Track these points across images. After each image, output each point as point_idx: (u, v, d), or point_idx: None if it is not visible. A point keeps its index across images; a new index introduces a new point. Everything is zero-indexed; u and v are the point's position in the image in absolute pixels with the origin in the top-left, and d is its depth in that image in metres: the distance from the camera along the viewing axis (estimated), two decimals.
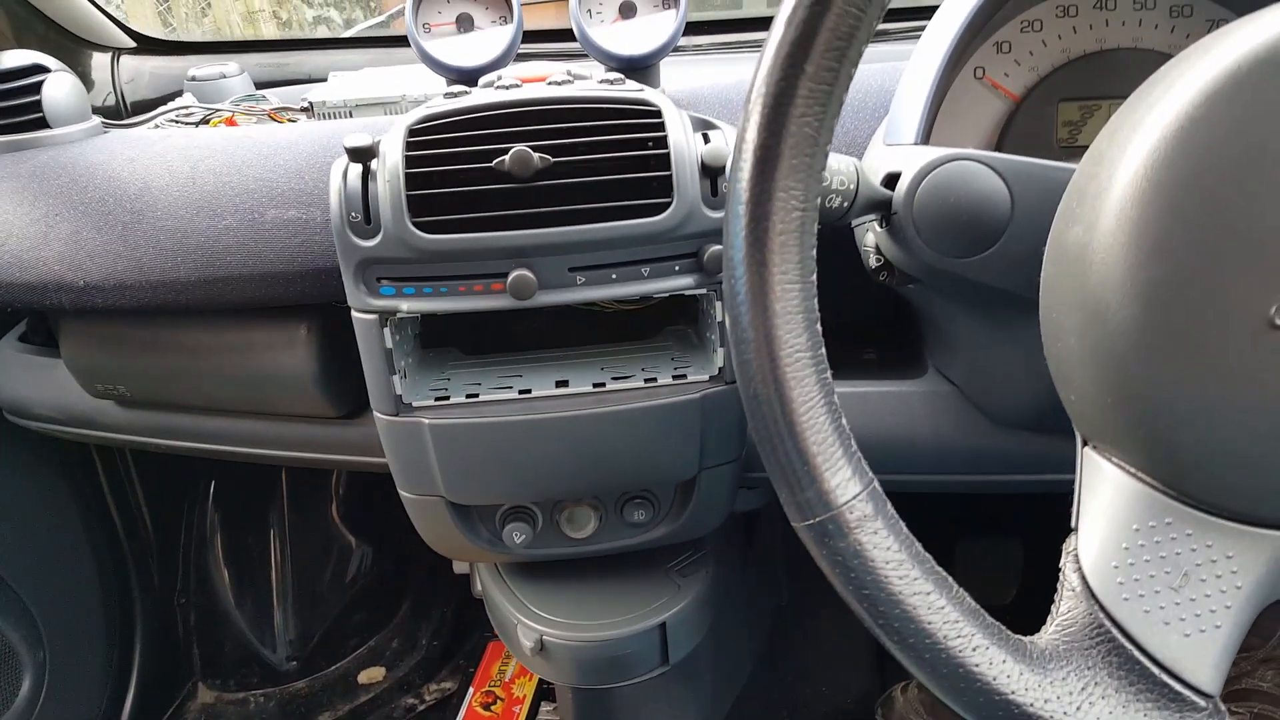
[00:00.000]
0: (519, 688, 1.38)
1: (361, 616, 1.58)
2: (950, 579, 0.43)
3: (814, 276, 0.42)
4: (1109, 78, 0.72)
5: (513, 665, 1.44)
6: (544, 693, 1.37)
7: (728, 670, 1.31)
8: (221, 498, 1.56)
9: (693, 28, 1.29)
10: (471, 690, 1.40)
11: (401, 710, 1.48)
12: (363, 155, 0.67)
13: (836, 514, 0.41)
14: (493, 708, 1.36)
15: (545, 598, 0.88)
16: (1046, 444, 0.78)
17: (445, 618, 1.59)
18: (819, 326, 0.42)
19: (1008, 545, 1.38)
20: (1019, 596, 1.39)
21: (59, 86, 0.95)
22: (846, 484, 0.42)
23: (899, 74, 0.70)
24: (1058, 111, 0.73)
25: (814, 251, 0.41)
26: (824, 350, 0.42)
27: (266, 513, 1.56)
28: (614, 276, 0.69)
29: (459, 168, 0.65)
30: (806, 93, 0.39)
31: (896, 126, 0.67)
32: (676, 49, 1.33)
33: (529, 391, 0.74)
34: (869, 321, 0.93)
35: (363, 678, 1.52)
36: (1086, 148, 0.44)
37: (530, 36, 1.29)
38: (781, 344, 0.41)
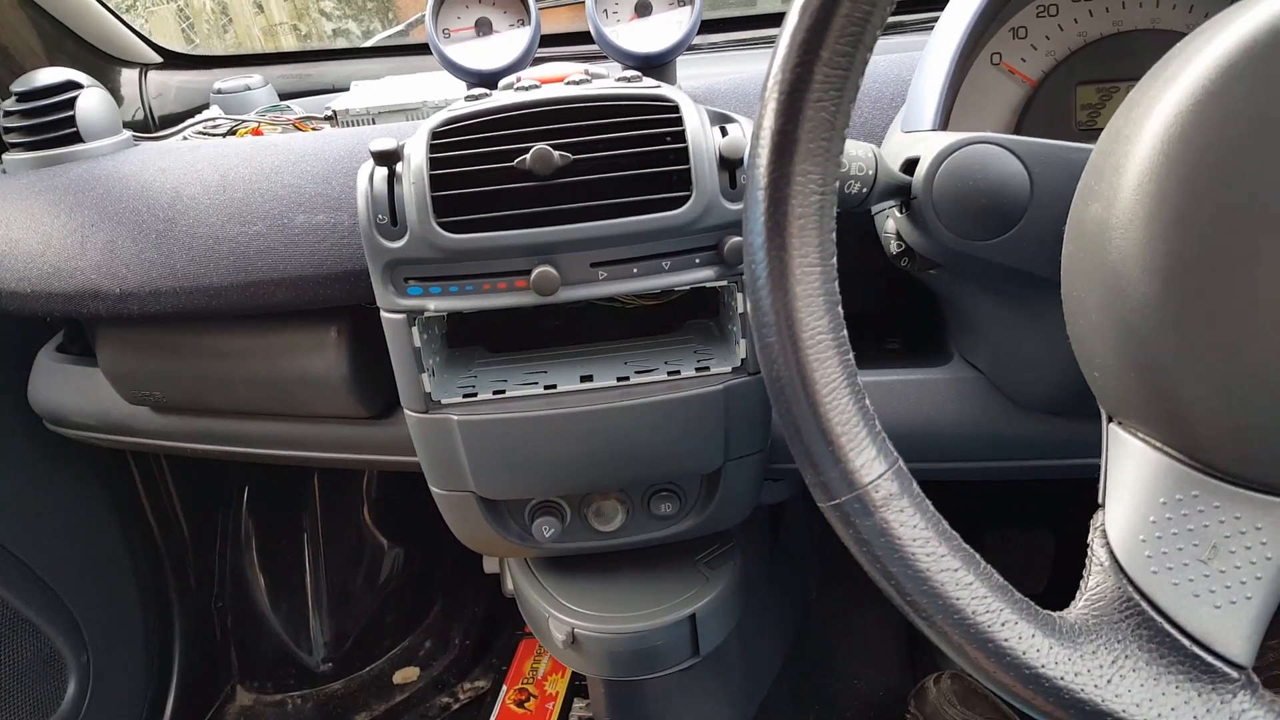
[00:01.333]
0: (551, 685, 1.39)
1: (395, 617, 1.60)
2: (978, 556, 0.43)
3: (834, 260, 0.42)
4: (1127, 60, 0.72)
5: (545, 662, 1.45)
6: (576, 689, 1.38)
7: (757, 664, 1.31)
8: (255, 503, 1.58)
9: (708, 26, 1.29)
10: (505, 688, 1.41)
11: (436, 709, 1.49)
12: (388, 159, 0.68)
13: (861, 493, 0.42)
14: (526, 705, 1.37)
15: (576, 591, 0.89)
16: (1072, 428, 0.78)
17: (477, 617, 1.61)
18: (840, 309, 0.42)
19: (1037, 536, 1.37)
20: (1050, 587, 1.38)
21: (91, 101, 0.98)
22: (871, 463, 0.42)
23: (916, 64, 0.71)
24: (1076, 95, 0.73)
25: (834, 235, 0.42)
26: (845, 332, 0.43)
27: (299, 516, 1.58)
28: (635, 271, 0.70)
29: (482, 168, 0.66)
30: (822, 78, 0.40)
31: (914, 113, 0.67)
32: (692, 48, 1.34)
33: (554, 387, 0.75)
34: (892, 311, 0.94)
35: (397, 678, 1.53)
36: None
37: (548, 40, 1.30)
38: (803, 326, 0.41)
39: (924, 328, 0.90)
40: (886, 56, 0.88)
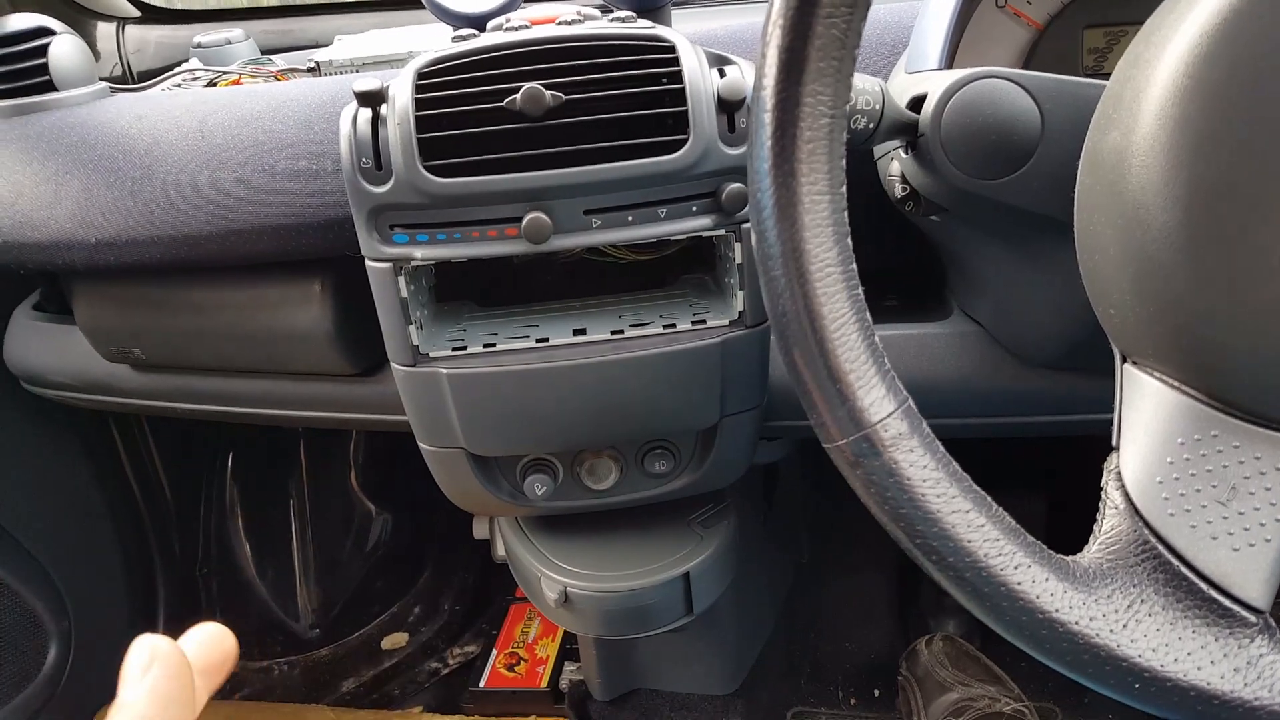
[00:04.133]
0: (542, 648, 1.39)
1: (383, 583, 1.58)
2: (989, 498, 0.42)
3: (844, 189, 0.40)
4: (1135, 3, 0.70)
5: (535, 626, 1.44)
6: (567, 653, 1.37)
7: (750, 626, 1.31)
8: (240, 468, 1.56)
9: None
10: (495, 652, 1.40)
11: (425, 674, 1.48)
12: (372, 99, 0.65)
13: (870, 432, 0.40)
14: (516, 669, 1.36)
15: (568, 551, 0.87)
16: (1074, 383, 0.77)
17: (467, 583, 1.60)
18: (849, 241, 0.40)
19: (1030, 499, 1.36)
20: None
21: (65, 49, 0.94)
22: (881, 402, 0.40)
23: (918, 11, 0.69)
24: (1083, 38, 0.71)
25: (843, 162, 0.40)
26: (855, 265, 0.41)
27: (286, 482, 1.56)
28: (630, 219, 0.67)
29: (470, 108, 0.64)
30: None
31: (919, 54, 0.65)
32: (686, 2, 1.31)
33: (546, 340, 0.73)
34: (889, 270, 0.92)
35: (386, 643, 1.52)
36: None
37: None
38: (811, 258, 0.39)
39: (922, 286, 0.89)
40: (890, 4, 0.85)
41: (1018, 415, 0.80)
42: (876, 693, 1.32)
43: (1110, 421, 0.45)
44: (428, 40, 1.08)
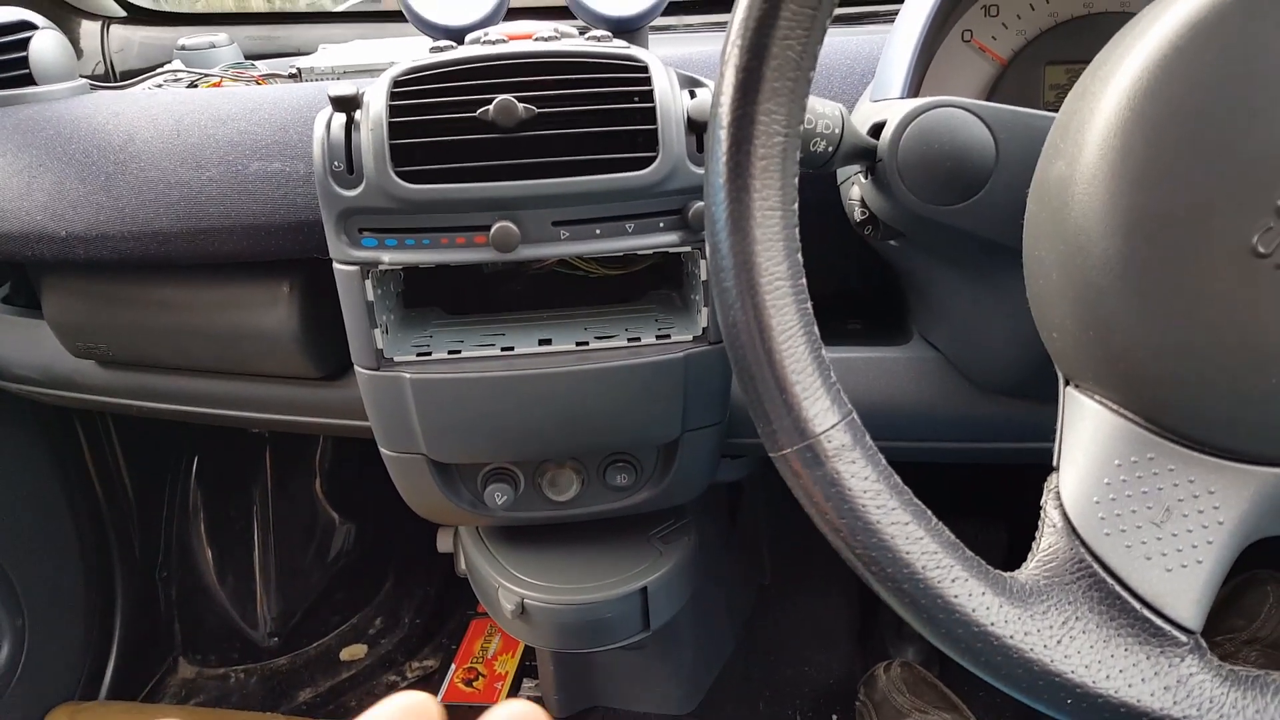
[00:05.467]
0: (501, 664, 1.38)
1: (344, 594, 1.57)
2: (929, 512, 0.42)
3: (795, 206, 0.41)
4: (1096, 42, 0.71)
5: (495, 642, 1.43)
6: (526, 669, 1.36)
7: (709, 647, 1.31)
8: (204, 472, 1.55)
9: (681, 7, 1.28)
10: (454, 666, 1.39)
11: (383, 687, 1.47)
12: (347, 104, 0.66)
13: (813, 443, 0.41)
14: (475, 684, 1.35)
15: (527, 562, 0.88)
16: (1028, 410, 0.78)
17: (428, 596, 1.59)
18: (800, 256, 0.41)
19: (991, 527, 1.37)
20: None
21: (46, 44, 0.95)
22: (825, 413, 0.41)
23: (886, 41, 0.70)
24: (1044, 75, 0.73)
25: (796, 180, 0.41)
26: (804, 280, 0.42)
27: (249, 488, 1.54)
28: (598, 232, 0.68)
29: (443, 117, 0.65)
30: (790, 15, 0.39)
31: (883, 83, 0.66)
32: (666, 28, 1.33)
33: (511, 349, 0.74)
34: (854, 293, 0.93)
35: (344, 654, 1.51)
36: None
37: (517, 11, 1.29)
38: (761, 271, 0.40)
39: (885, 310, 0.90)
40: (858, 37, 0.87)
41: (973, 441, 0.81)
42: (835, 717, 1.32)
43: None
44: (410, 52, 1.09)
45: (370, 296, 0.69)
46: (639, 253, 0.70)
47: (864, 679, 1.26)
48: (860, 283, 0.93)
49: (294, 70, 1.08)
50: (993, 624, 0.41)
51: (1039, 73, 0.72)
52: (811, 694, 1.35)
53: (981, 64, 0.73)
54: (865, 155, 0.55)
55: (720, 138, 0.40)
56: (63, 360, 0.99)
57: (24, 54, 0.93)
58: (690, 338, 0.74)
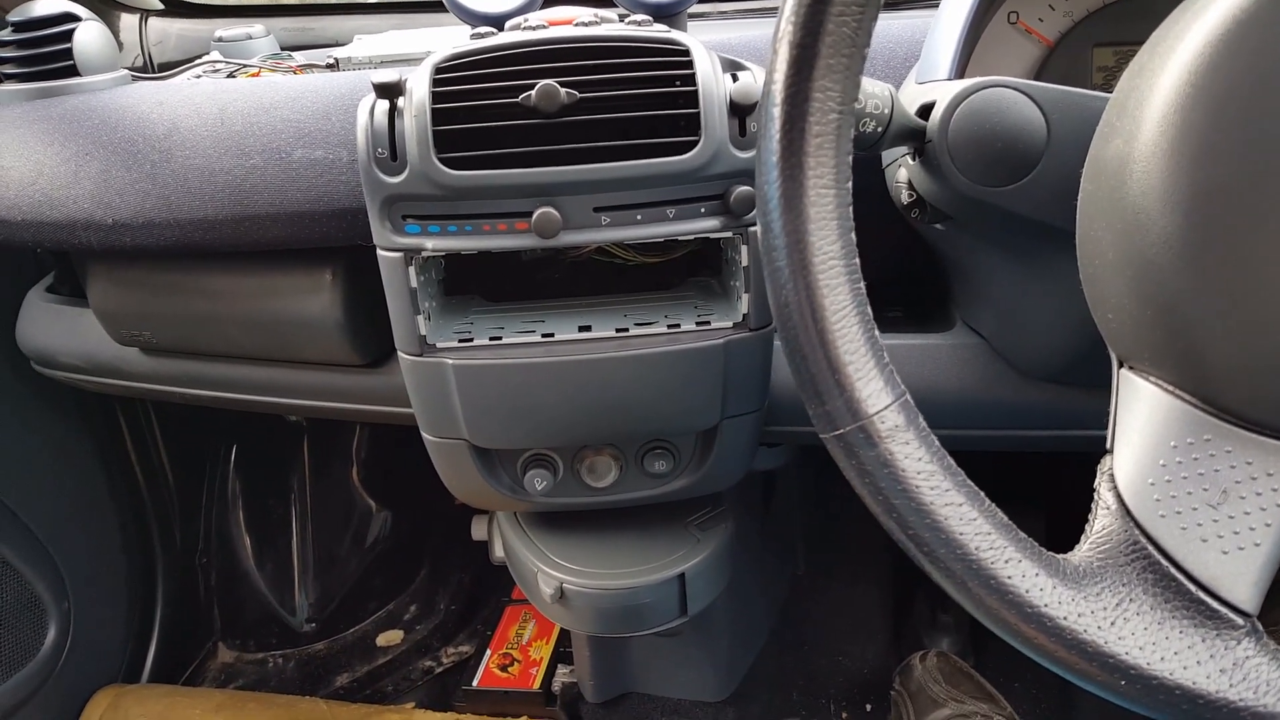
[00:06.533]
0: (536, 650, 1.39)
1: (380, 581, 1.59)
2: (982, 494, 0.42)
3: (849, 184, 0.41)
4: (1145, 22, 0.70)
5: (530, 628, 1.44)
6: (561, 656, 1.37)
7: (743, 636, 1.31)
8: (243, 460, 1.57)
9: None
10: (489, 652, 1.40)
11: (419, 672, 1.48)
12: (390, 92, 0.66)
13: (866, 424, 0.41)
14: (509, 669, 1.36)
15: (565, 547, 0.88)
16: (1074, 398, 0.77)
17: (463, 583, 1.60)
18: (853, 235, 0.41)
19: (1029, 515, 1.36)
20: None
21: (90, 35, 0.96)
22: (878, 394, 0.41)
23: (929, 26, 0.70)
24: (1092, 57, 0.72)
25: (849, 158, 0.41)
26: (858, 260, 0.42)
27: (288, 476, 1.56)
28: (639, 217, 0.68)
29: (486, 103, 0.65)
30: None
31: (930, 65, 0.66)
32: (701, 15, 1.32)
33: (552, 335, 0.74)
34: (892, 281, 0.93)
35: (381, 640, 1.52)
36: None
37: None
38: (814, 250, 0.40)
39: (926, 298, 0.89)
40: (902, 20, 0.86)
41: (1017, 429, 0.81)
42: (869, 707, 1.32)
43: (1104, 439, 0.45)
44: (445, 41, 1.09)
45: (414, 283, 0.70)
46: (679, 239, 0.70)
47: (899, 669, 1.26)
48: (899, 269, 0.92)
49: (331, 60, 1.09)
50: (1046, 605, 0.40)
51: (1086, 55, 0.71)
52: (845, 684, 1.34)
53: (1028, 46, 0.72)
54: (914, 136, 0.55)
55: (774, 115, 0.40)
56: (107, 348, 1.01)
57: (68, 45, 0.95)
58: (730, 324, 0.73)
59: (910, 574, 1.46)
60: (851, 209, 0.41)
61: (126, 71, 1.00)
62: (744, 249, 0.70)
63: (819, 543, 1.45)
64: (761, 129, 0.41)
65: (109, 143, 0.83)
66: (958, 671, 1.22)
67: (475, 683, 1.35)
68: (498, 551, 1.09)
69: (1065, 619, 0.40)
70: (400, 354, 0.74)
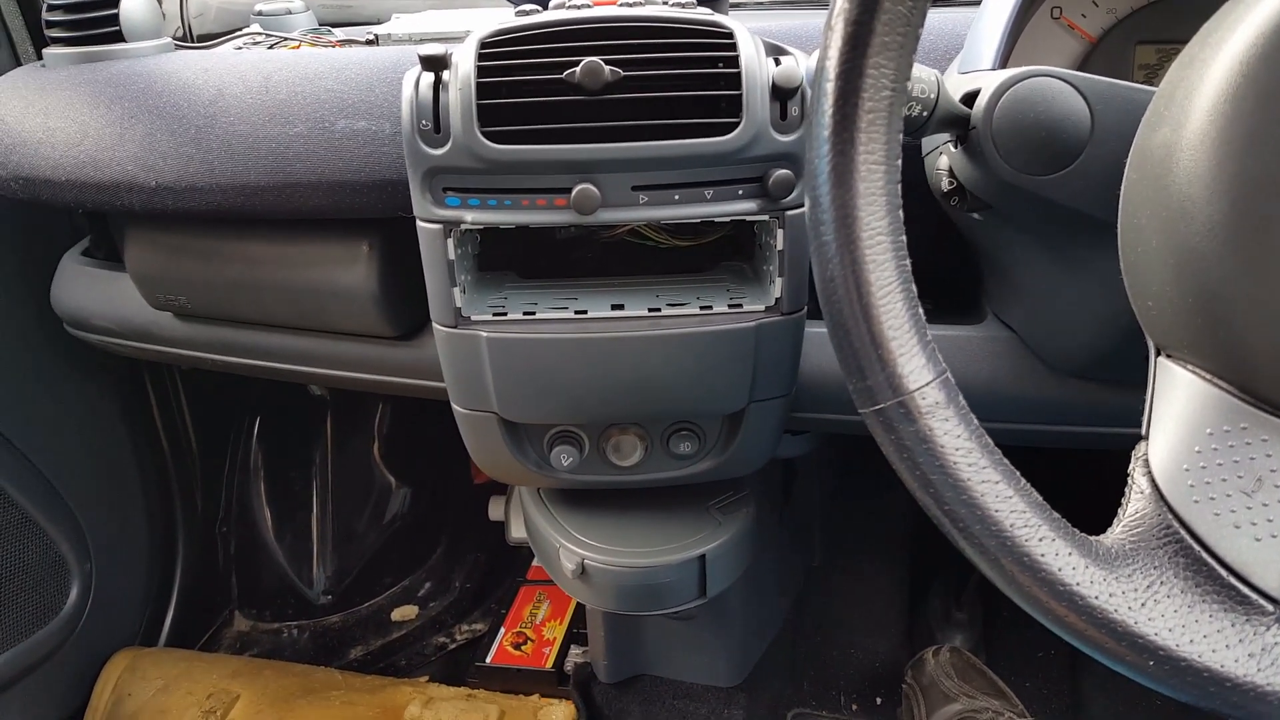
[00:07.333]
0: (549, 630, 1.40)
1: (397, 556, 1.60)
2: (1018, 473, 0.43)
3: (899, 161, 0.41)
4: (1188, 21, 0.70)
5: (544, 608, 1.45)
6: (574, 637, 1.38)
7: (758, 623, 1.31)
8: (266, 432, 1.59)
9: None
10: (503, 630, 1.41)
11: (432, 648, 1.50)
12: (436, 64, 0.67)
13: (906, 399, 0.42)
14: (523, 647, 1.37)
15: (587, 525, 0.89)
16: (1102, 394, 0.78)
17: (479, 562, 1.61)
18: (901, 212, 0.42)
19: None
20: None
21: (136, 3, 0.97)
22: (920, 370, 0.42)
23: (971, 20, 0.70)
24: (1135, 54, 0.72)
25: (900, 136, 0.41)
26: (904, 238, 0.42)
27: (310, 449, 1.58)
28: (677, 198, 0.69)
29: (530, 79, 0.66)
30: None
31: (973, 55, 0.66)
32: (739, 4, 1.32)
33: (585, 313, 0.75)
34: (924, 273, 0.93)
35: (396, 615, 1.54)
36: None
37: None
38: (862, 225, 0.41)
39: (956, 292, 0.90)
40: (943, 13, 0.87)
41: (1045, 423, 0.81)
42: (879, 700, 1.32)
43: (1131, 436, 0.46)
44: (484, 21, 1.10)
45: (451, 255, 0.70)
46: (716, 220, 0.71)
47: (912, 662, 1.26)
48: (929, 264, 0.93)
49: (371, 36, 1.10)
50: (1078, 584, 0.41)
51: (1129, 52, 0.71)
52: (857, 676, 1.35)
53: (1070, 42, 0.72)
54: (958, 123, 0.55)
55: (827, 90, 0.40)
56: (142, 312, 1.02)
57: (115, 11, 0.96)
58: (763, 308, 0.74)
59: (925, 570, 1.47)
60: (900, 187, 0.42)
61: (170, 40, 1.01)
62: (779, 233, 0.71)
63: (836, 535, 1.45)
64: (814, 103, 0.41)
65: (154, 107, 0.84)
66: (970, 667, 1.22)
67: (488, 659, 1.36)
68: (514, 532, 1.10)
69: (1096, 598, 0.41)
70: (435, 325, 0.75)
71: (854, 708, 1.32)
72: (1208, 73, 0.40)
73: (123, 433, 1.37)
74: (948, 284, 0.90)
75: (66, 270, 1.11)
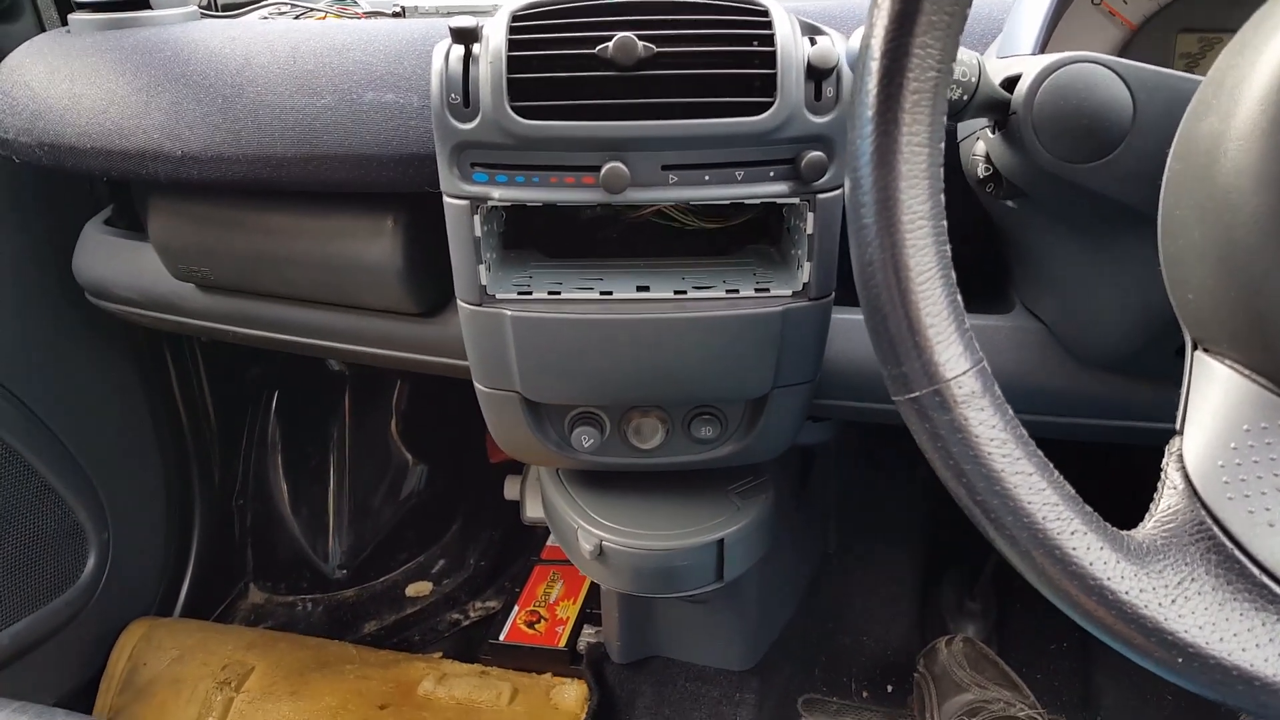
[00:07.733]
0: (563, 610, 1.40)
1: (412, 533, 1.60)
2: (1052, 466, 0.42)
3: (942, 145, 0.41)
4: (1231, 9, 0.70)
5: (558, 588, 1.46)
6: (587, 617, 1.38)
7: (771, 608, 1.31)
8: (284, 407, 1.59)
9: None
10: (516, 609, 1.42)
11: (446, 624, 1.50)
12: (466, 37, 0.66)
13: (942, 388, 0.41)
14: (536, 626, 1.38)
15: (606, 506, 0.89)
16: (1131, 388, 0.77)
17: (493, 540, 1.61)
18: (943, 196, 0.41)
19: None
20: None
21: None
22: (957, 359, 0.41)
23: (1009, 6, 0.69)
24: (1176, 42, 0.71)
25: (944, 119, 0.41)
26: (946, 223, 0.41)
27: (328, 424, 1.58)
28: (707, 178, 0.68)
29: (561, 53, 0.65)
30: None
31: (1012, 39, 0.65)
32: None
33: (610, 294, 0.74)
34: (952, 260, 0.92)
35: (410, 591, 1.55)
36: None
37: None
38: (904, 208, 0.40)
39: (984, 282, 0.89)
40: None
41: (1072, 416, 0.80)
42: (890, 688, 1.32)
43: (1161, 431, 0.45)
44: None
45: (478, 231, 0.70)
46: (745, 203, 0.70)
47: (924, 651, 1.26)
48: (956, 253, 0.92)
49: (399, 9, 1.09)
50: (1108, 579, 0.40)
51: (1170, 40, 0.70)
52: (868, 663, 1.35)
53: (1110, 28, 0.71)
54: (997, 108, 0.54)
55: (871, 69, 0.39)
56: (164, 283, 1.02)
57: None
58: (790, 293, 0.73)
59: (939, 559, 1.46)
60: (943, 170, 0.41)
61: (196, 8, 1.01)
62: (810, 216, 0.70)
63: (851, 524, 1.45)
64: (857, 82, 0.40)
65: (181, 75, 0.84)
66: (983, 658, 1.22)
67: (502, 637, 1.37)
68: (529, 511, 1.10)
69: (1126, 594, 0.40)
70: (459, 302, 0.74)
71: (865, 695, 1.31)
72: (1260, 60, 0.39)
73: (142, 404, 1.38)
74: (975, 272, 0.89)
75: (89, 239, 1.12)
